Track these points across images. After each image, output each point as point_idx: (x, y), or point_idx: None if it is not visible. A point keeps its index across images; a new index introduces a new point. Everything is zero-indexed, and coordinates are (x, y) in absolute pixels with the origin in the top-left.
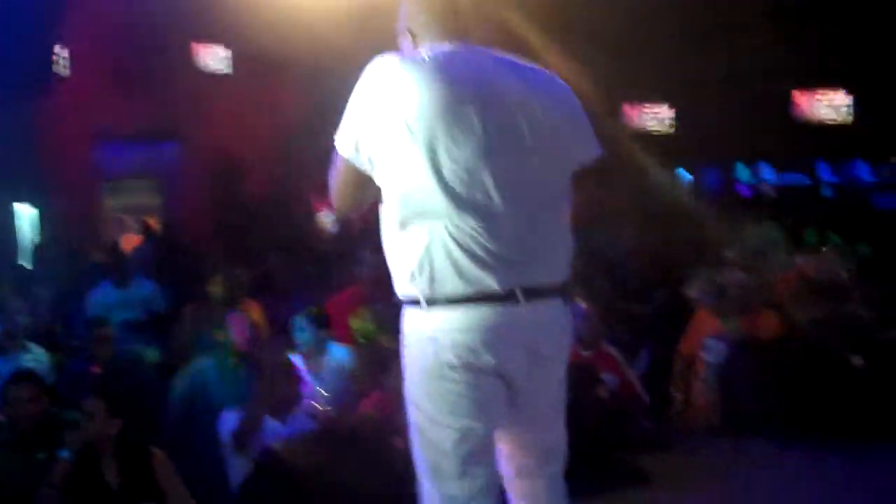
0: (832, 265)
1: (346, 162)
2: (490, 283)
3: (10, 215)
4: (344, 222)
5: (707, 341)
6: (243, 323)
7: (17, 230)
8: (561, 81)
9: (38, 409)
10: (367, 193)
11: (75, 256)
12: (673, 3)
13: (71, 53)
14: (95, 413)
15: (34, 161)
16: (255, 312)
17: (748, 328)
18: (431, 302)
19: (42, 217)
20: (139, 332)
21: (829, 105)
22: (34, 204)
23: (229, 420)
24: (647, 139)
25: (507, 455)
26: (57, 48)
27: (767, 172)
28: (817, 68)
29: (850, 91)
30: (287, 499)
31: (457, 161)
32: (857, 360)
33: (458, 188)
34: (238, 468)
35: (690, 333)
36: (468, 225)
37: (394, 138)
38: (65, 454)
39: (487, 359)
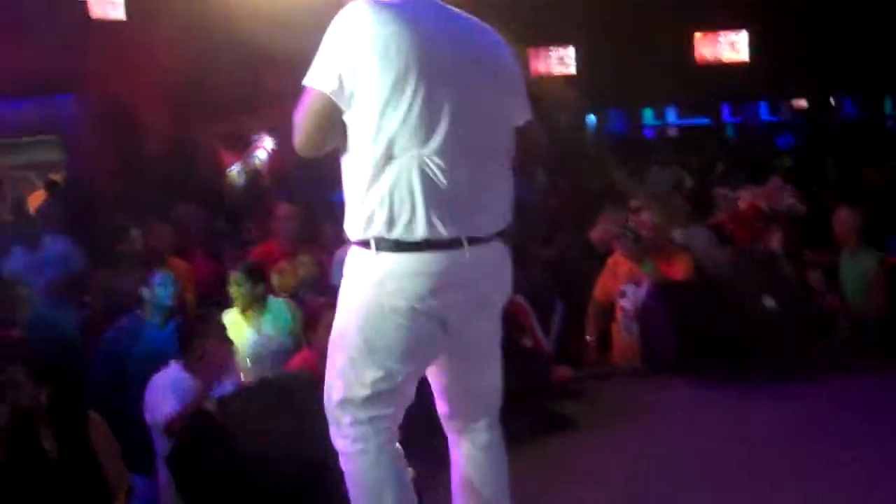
0: (782, 195)
1: (323, 100)
2: (441, 231)
3: None
4: (252, 175)
5: (624, 287)
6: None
7: None
8: (505, 43)
9: None
10: (333, 135)
11: None
12: None
13: None
14: (21, 380)
15: None
16: (181, 270)
17: (663, 271)
18: (382, 246)
19: None
20: (59, 293)
21: (731, 46)
22: None
23: (162, 386)
24: (553, 82)
25: (444, 394)
26: None
27: (671, 115)
28: (718, 9)
29: (751, 32)
30: (219, 458)
31: (430, 101)
32: (769, 302)
33: (428, 128)
34: None
35: (605, 279)
36: (431, 168)
37: (374, 75)
38: None
39: (431, 303)
